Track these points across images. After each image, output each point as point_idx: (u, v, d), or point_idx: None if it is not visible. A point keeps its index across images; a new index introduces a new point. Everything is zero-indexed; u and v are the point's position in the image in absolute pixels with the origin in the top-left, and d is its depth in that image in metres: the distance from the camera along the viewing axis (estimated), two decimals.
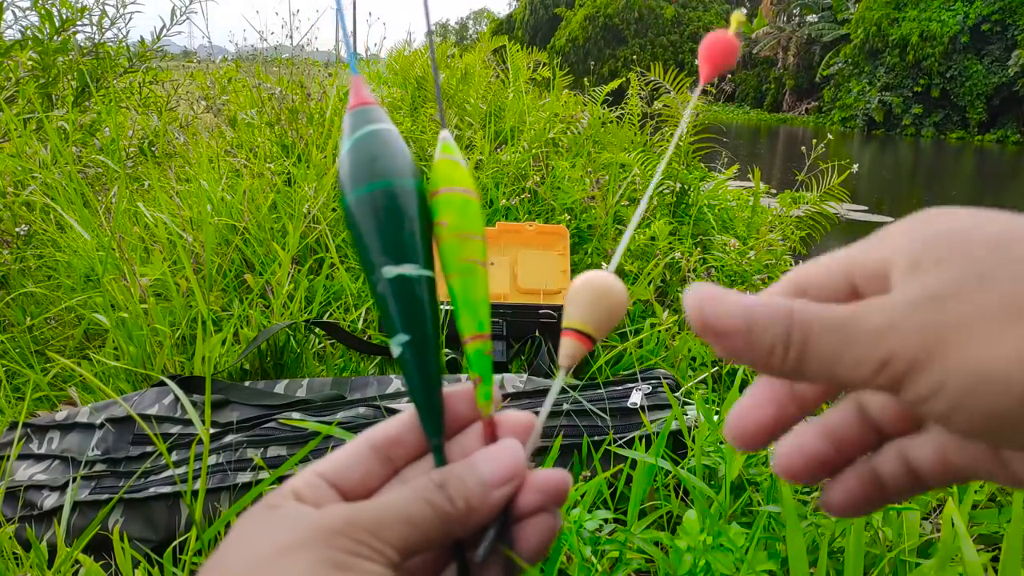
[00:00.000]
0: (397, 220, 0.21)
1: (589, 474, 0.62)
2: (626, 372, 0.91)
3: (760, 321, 0.16)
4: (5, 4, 1.53)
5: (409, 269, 0.21)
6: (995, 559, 0.57)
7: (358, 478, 0.20)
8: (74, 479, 0.66)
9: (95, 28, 1.69)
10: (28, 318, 0.99)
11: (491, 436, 0.21)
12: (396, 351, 0.21)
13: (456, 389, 0.22)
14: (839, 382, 0.15)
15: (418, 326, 0.21)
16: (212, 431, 0.69)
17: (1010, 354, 0.13)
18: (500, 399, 0.22)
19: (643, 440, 0.70)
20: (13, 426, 0.72)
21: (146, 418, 0.70)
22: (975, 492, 0.64)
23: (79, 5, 1.62)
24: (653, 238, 1.33)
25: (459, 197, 0.22)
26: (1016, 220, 0.15)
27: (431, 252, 0.22)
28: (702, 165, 1.73)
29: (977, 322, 0.13)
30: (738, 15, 0.29)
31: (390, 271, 0.21)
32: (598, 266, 1.33)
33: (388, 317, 0.21)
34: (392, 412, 0.72)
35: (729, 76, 2.08)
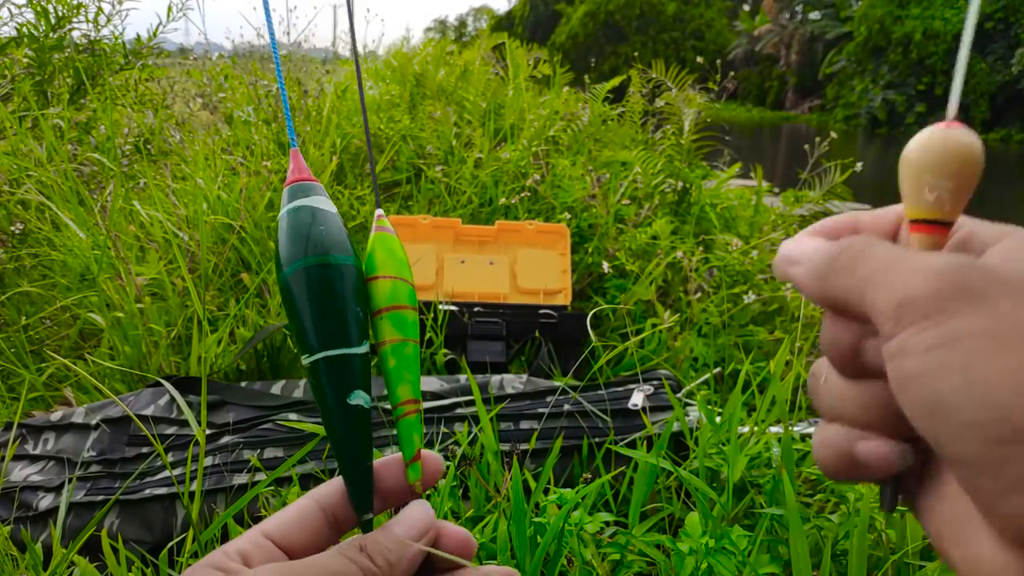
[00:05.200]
0: (331, 299, 0.21)
1: (590, 476, 0.61)
2: (627, 373, 0.90)
3: (827, 246, 0.17)
4: (1, 1, 1.52)
5: (342, 350, 0.21)
6: None
7: (305, 538, 0.21)
8: (70, 480, 0.65)
9: (91, 25, 1.68)
10: (23, 317, 0.99)
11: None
12: (326, 429, 0.22)
13: (386, 461, 0.23)
14: (855, 306, 0.16)
15: (347, 405, 0.21)
16: (208, 432, 0.69)
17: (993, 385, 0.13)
18: (436, 471, 0.24)
19: (644, 441, 0.69)
20: (8, 426, 0.72)
21: (142, 419, 0.69)
22: None
23: (75, 2, 1.61)
24: (655, 237, 1.32)
25: (390, 284, 0.22)
26: None
27: (366, 326, 0.22)
28: (704, 163, 1.72)
29: (978, 342, 0.14)
30: None
31: (324, 353, 0.21)
32: (598, 266, 1.32)
33: (319, 393, 0.21)
34: (390, 413, 0.71)
35: (732, 74, 2.07)
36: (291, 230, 0.21)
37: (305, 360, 0.21)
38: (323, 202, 0.22)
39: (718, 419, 0.65)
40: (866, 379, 0.17)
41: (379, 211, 0.24)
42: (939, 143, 0.17)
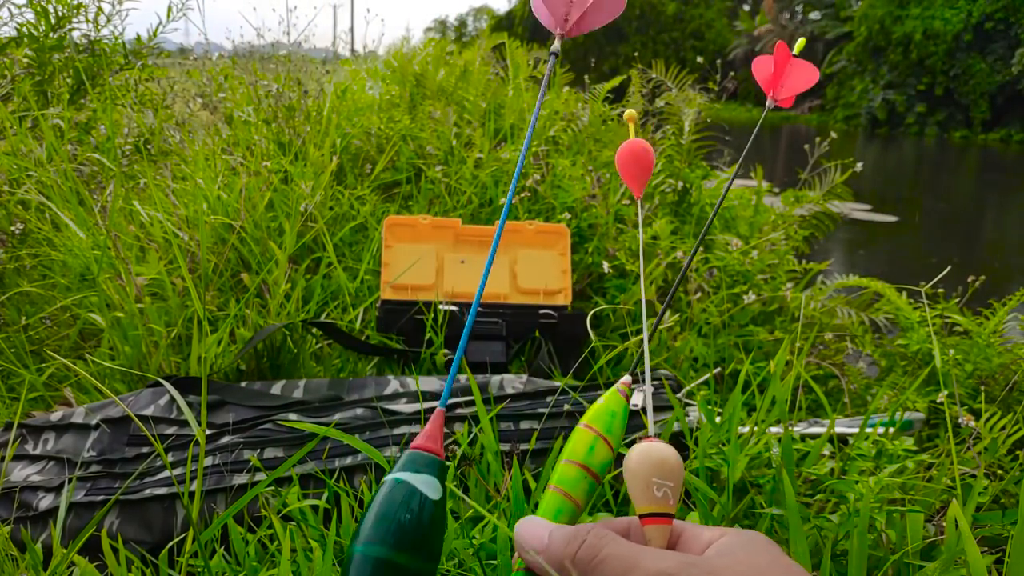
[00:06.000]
0: None
1: None
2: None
3: (558, 538, 0.21)
4: (1, 1, 1.52)
5: None
6: (999, 561, 0.56)
7: None
8: (69, 480, 0.65)
9: (91, 25, 1.68)
10: (23, 317, 0.99)
11: None
12: None
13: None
14: None
15: None
16: (208, 432, 0.69)
17: None
18: None
19: None
20: (8, 426, 0.72)
21: (142, 419, 0.69)
22: (979, 495, 0.64)
23: (75, 2, 1.61)
24: (655, 237, 1.32)
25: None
26: None
27: None
28: (704, 164, 1.72)
29: None
30: (629, 115, 0.31)
31: None
32: (599, 266, 1.33)
33: None
34: (390, 413, 0.71)
35: (732, 74, 2.07)
36: (380, 506, 0.20)
37: None
38: (429, 484, 0.21)
39: (718, 419, 0.65)
40: None
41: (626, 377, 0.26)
42: (657, 455, 0.23)
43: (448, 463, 0.23)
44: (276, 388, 0.76)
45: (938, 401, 0.73)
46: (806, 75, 0.32)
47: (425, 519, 0.20)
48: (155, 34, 1.82)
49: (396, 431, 0.69)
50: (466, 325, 0.24)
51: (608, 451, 0.26)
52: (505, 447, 0.67)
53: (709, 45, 21.82)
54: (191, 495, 0.59)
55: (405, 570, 0.20)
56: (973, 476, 0.62)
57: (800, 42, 0.32)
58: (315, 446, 0.63)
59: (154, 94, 1.90)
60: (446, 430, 0.70)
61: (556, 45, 0.29)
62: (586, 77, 2.31)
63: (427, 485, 0.21)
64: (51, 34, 1.58)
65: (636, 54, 2.58)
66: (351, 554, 0.20)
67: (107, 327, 0.88)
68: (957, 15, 16.11)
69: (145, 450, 0.68)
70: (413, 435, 0.69)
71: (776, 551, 0.21)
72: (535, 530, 0.22)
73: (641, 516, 0.23)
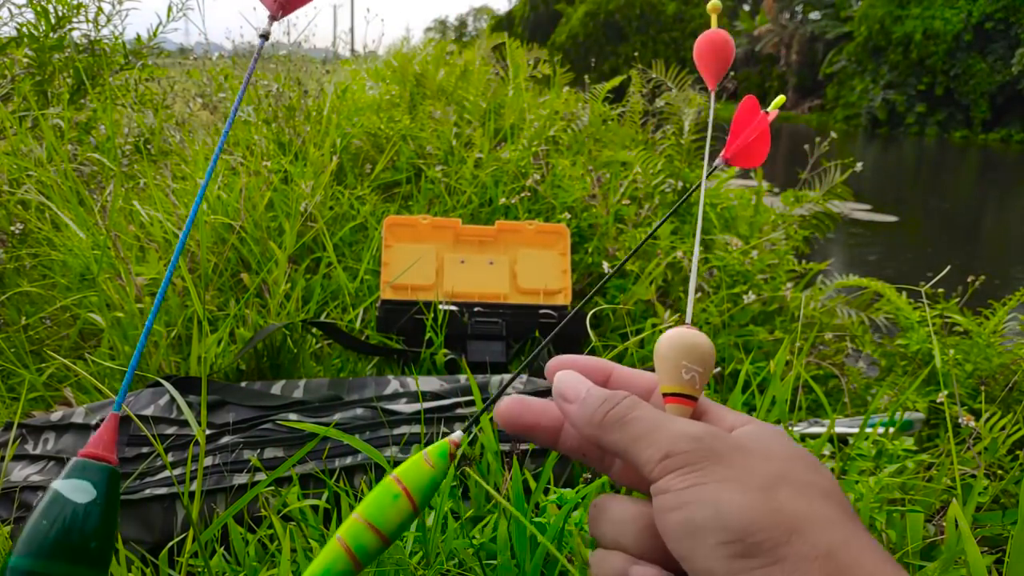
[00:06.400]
0: None
1: (590, 476, 0.61)
2: None
3: (593, 396, 0.22)
4: (1, 1, 1.52)
5: None
6: (999, 561, 0.56)
7: None
8: None
9: (91, 25, 1.68)
10: (23, 317, 0.99)
11: None
12: None
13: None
14: (623, 453, 0.21)
15: None
16: (208, 432, 0.69)
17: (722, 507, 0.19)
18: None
19: None
20: (8, 426, 0.72)
21: (142, 419, 0.69)
22: (979, 495, 0.64)
23: (75, 2, 1.61)
24: (655, 237, 1.32)
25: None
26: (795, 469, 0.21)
27: None
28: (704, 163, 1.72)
29: (725, 484, 0.19)
30: (713, 5, 0.29)
31: None
32: (598, 266, 1.33)
33: None
34: (390, 413, 0.71)
35: (732, 74, 2.07)
36: (31, 517, 0.20)
37: None
38: (79, 488, 0.20)
39: None
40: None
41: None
42: (690, 340, 0.23)
43: (119, 468, 0.22)
44: (276, 388, 0.76)
45: (938, 401, 0.72)
46: (760, 147, 0.27)
47: (75, 525, 0.20)
48: (155, 34, 1.82)
49: (396, 431, 0.69)
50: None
51: (378, 541, 0.22)
52: (505, 447, 0.67)
53: None
54: (191, 495, 0.59)
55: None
56: (973, 476, 0.62)
57: (779, 99, 0.27)
58: (315, 446, 0.63)
59: (154, 94, 1.90)
60: (446, 429, 0.70)
61: (267, 27, 0.28)
62: (586, 77, 2.31)
63: (77, 490, 0.20)
64: (51, 34, 1.58)
65: (636, 54, 2.58)
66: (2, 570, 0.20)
67: (107, 327, 0.88)
68: (957, 15, 16.10)
69: (145, 450, 0.68)
70: (413, 435, 0.69)
71: (802, 450, 0.21)
72: (575, 383, 0.23)
73: (665, 395, 0.23)
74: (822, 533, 0.18)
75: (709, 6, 0.28)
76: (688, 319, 0.24)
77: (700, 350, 0.23)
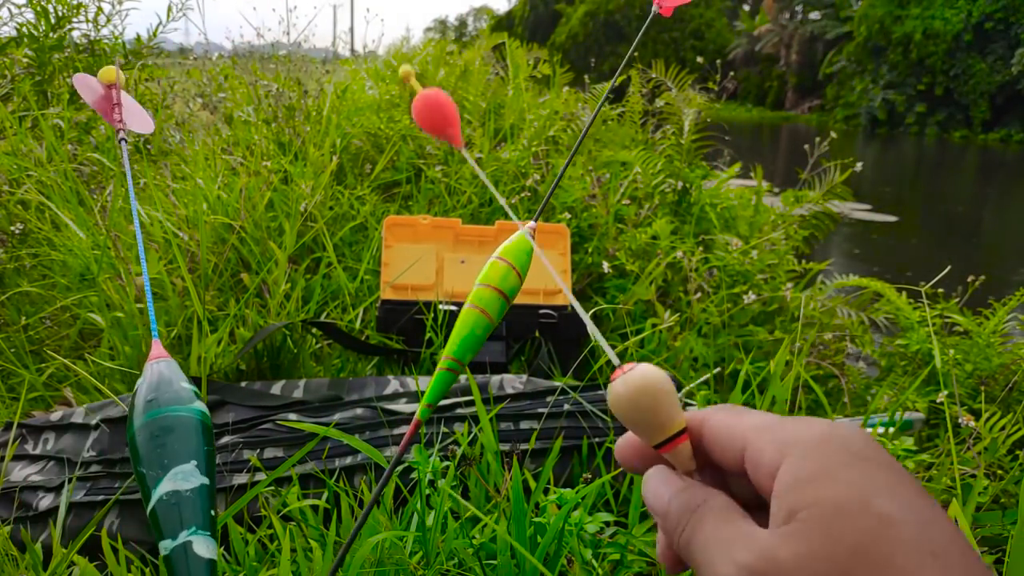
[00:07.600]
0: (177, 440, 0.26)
1: (590, 476, 0.61)
2: None
3: (676, 508, 0.21)
4: (1, 1, 1.52)
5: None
6: (999, 561, 0.56)
7: None
8: (69, 480, 0.65)
9: (91, 25, 1.68)
10: (23, 317, 0.99)
11: None
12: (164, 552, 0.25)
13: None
14: (700, 563, 0.20)
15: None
16: None
17: None
18: None
19: None
20: (8, 426, 0.72)
21: None
22: (979, 495, 0.64)
23: (75, 2, 1.61)
24: (655, 237, 1.32)
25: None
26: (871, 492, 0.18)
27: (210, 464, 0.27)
28: (704, 163, 1.72)
29: None
30: (404, 70, 0.34)
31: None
32: (598, 266, 1.32)
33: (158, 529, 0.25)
34: (390, 413, 0.71)
35: (732, 74, 2.07)
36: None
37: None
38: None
39: None
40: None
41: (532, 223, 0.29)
42: (635, 386, 0.21)
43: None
44: (276, 388, 0.76)
45: (938, 401, 0.73)
46: None
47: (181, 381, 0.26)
48: (155, 34, 1.82)
49: (396, 431, 0.69)
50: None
51: (517, 279, 0.30)
52: (505, 447, 0.67)
53: (709, 45, 21.81)
54: None
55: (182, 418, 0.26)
56: (973, 476, 0.62)
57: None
58: (315, 446, 0.63)
59: (154, 94, 1.90)
60: (446, 429, 0.70)
61: (122, 135, 0.36)
62: (586, 77, 2.31)
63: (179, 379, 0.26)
64: (51, 34, 1.58)
65: (636, 54, 2.58)
66: (131, 434, 0.26)
67: (107, 327, 0.88)
68: (957, 15, 16.10)
69: None
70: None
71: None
72: (659, 489, 0.22)
73: (656, 446, 0.21)
74: None
75: (401, 72, 0.33)
76: (616, 361, 0.22)
77: (649, 387, 0.21)
